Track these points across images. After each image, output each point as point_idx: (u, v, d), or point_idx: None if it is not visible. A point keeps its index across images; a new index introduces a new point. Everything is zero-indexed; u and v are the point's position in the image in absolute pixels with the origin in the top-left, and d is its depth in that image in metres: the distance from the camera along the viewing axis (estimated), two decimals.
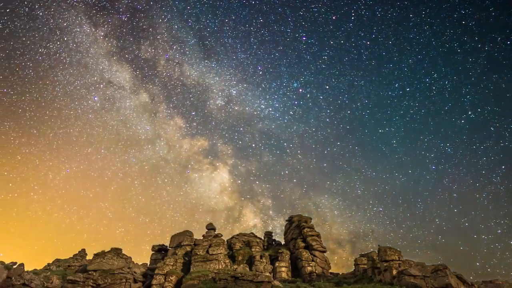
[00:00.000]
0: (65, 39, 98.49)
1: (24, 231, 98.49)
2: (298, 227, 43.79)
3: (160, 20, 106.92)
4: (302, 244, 40.40)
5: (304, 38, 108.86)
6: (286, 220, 48.98)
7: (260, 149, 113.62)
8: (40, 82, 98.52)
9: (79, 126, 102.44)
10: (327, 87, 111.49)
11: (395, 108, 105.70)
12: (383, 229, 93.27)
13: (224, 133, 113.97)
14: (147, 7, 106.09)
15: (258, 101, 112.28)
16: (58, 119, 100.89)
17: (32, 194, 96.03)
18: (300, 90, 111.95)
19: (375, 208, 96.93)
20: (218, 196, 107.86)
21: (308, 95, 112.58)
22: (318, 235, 41.14)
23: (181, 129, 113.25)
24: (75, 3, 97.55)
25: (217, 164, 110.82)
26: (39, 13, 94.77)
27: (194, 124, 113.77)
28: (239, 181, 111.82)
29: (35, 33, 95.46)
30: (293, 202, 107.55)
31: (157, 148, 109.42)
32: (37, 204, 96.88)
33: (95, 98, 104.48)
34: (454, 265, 77.35)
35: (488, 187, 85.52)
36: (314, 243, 39.50)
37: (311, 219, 45.36)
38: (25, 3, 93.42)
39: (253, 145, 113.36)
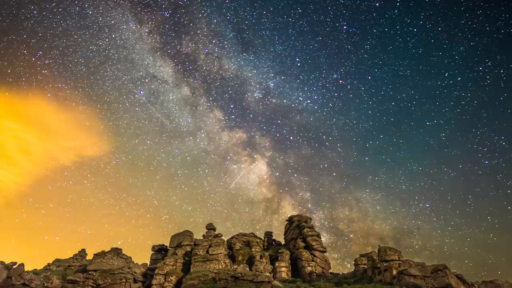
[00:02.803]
0: (113, 36, 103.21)
1: (78, 216, 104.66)
2: (298, 227, 43.80)
3: (200, 15, 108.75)
4: (302, 244, 40.41)
5: (344, 27, 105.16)
6: (286, 220, 49.03)
7: (298, 142, 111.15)
8: (91, 77, 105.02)
9: (127, 119, 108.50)
10: (369, 77, 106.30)
11: (445, 99, 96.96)
12: (429, 226, 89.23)
13: (262, 125, 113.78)
14: (188, 2, 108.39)
15: (296, 93, 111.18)
16: (108, 112, 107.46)
17: (85, 182, 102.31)
18: (340, 81, 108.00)
19: (421, 204, 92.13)
20: (257, 187, 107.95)
21: (349, 87, 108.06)
22: (318, 235, 41.16)
23: (220, 121, 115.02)
24: (121, 1, 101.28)
25: (255, 156, 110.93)
26: (89, 11, 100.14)
27: (233, 116, 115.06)
28: (277, 173, 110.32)
29: (85, 31, 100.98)
30: (333, 195, 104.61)
31: (198, 140, 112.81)
32: (89, 192, 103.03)
33: (141, 92, 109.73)
34: (506, 265, 73.42)
35: None
36: (314, 243, 39.50)
37: (311, 219, 45.42)
38: (76, 2, 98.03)
39: (291, 137, 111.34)
